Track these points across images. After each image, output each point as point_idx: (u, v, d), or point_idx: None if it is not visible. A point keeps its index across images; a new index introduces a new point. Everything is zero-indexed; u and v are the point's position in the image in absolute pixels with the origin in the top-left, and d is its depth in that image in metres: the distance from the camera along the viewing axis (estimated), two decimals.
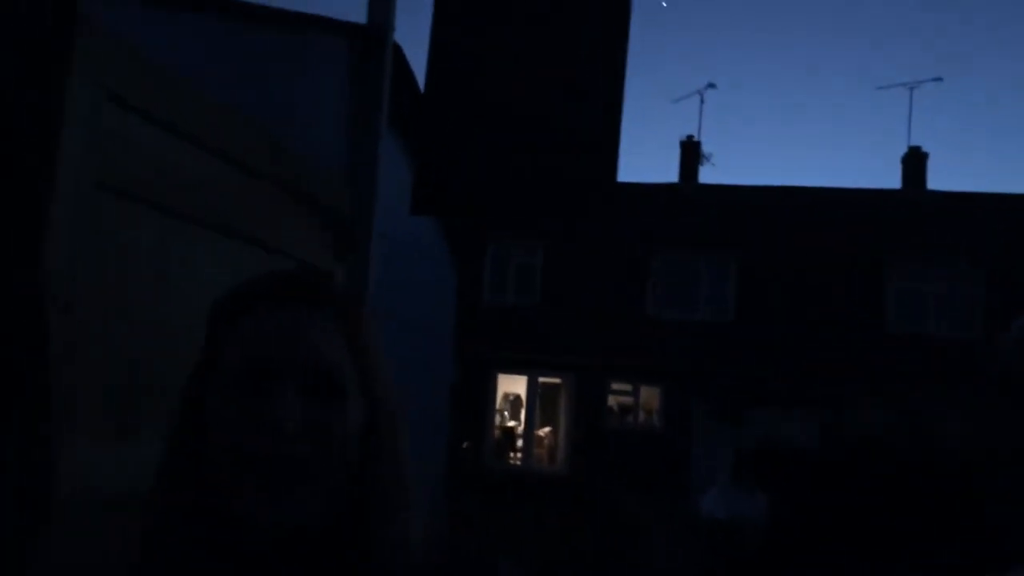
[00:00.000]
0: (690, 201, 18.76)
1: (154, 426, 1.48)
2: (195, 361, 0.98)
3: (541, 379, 17.74)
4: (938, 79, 26.42)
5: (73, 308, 1.30)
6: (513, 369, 17.82)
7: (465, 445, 15.62)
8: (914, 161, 19.44)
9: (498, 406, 18.46)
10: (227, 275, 1.72)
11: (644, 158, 46.92)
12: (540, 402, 17.89)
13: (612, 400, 17.29)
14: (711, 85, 30.19)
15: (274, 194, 1.87)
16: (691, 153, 20.58)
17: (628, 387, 17.28)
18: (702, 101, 29.88)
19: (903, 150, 19.93)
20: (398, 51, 7.02)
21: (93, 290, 1.35)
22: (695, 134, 20.94)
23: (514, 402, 19.12)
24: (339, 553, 0.93)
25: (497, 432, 18.04)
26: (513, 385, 18.70)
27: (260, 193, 1.82)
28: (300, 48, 6.30)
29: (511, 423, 18.68)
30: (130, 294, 1.43)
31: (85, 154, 1.30)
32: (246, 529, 0.91)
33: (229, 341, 0.94)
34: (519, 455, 18.01)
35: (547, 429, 18.22)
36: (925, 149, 19.39)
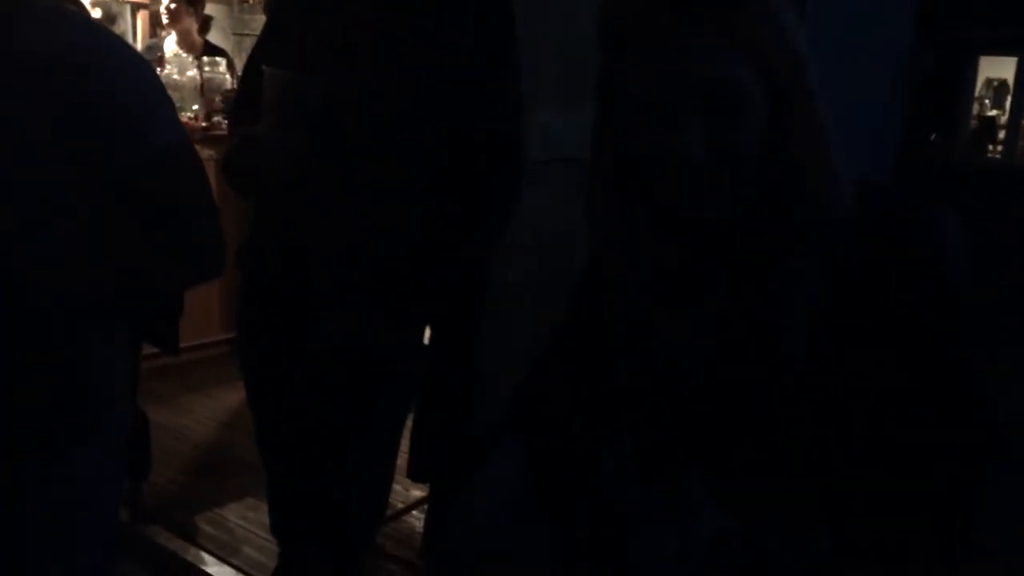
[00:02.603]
0: None
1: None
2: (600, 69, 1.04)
3: None
4: None
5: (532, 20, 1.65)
6: (999, 50, 15.50)
7: (933, 137, 14.32)
8: None
9: (978, 93, 16.42)
10: None
11: None
12: None
13: None
14: None
15: None
16: None
17: None
18: None
19: None
20: None
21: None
22: None
23: (998, 88, 16.81)
24: (744, 241, 1.01)
25: (975, 123, 16.23)
26: (999, 68, 16.34)
27: None
28: None
29: (992, 112, 16.60)
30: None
31: None
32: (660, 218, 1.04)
33: (620, 69, 0.99)
34: (999, 148, 16.15)
35: None
36: None
